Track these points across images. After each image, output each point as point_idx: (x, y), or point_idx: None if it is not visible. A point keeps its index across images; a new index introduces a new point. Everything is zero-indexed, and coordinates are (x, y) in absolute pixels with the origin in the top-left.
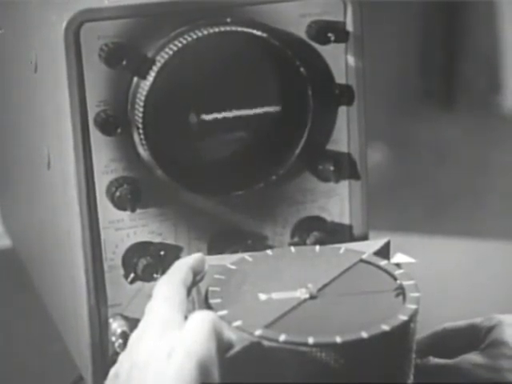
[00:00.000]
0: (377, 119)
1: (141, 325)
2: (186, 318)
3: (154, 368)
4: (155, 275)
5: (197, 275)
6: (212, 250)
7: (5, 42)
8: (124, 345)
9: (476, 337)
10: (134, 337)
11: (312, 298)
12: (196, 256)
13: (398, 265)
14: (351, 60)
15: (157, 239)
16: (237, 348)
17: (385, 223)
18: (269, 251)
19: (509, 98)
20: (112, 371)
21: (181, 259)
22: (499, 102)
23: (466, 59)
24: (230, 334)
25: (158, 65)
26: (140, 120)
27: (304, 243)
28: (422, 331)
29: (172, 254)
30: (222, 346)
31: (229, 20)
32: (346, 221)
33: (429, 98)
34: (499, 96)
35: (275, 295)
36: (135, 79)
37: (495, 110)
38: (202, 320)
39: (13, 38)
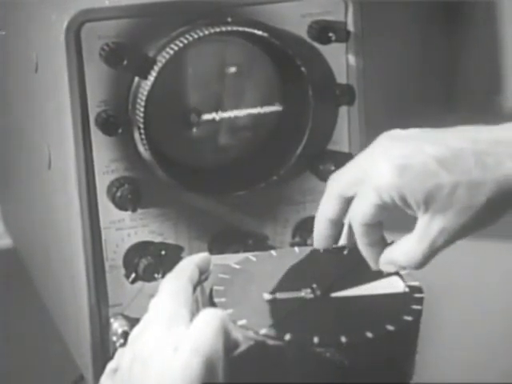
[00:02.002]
0: (377, 119)
1: (143, 320)
2: (191, 315)
3: (158, 363)
4: (156, 275)
5: (202, 274)
6: (213, 250)
7: (6, 41)
8: (125, 344)
9: None
10: (135, 331)
11: (317, 298)
12: (202, 255)
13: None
14: (352, 60)
15: (158, 239)
16: (242, 347)
17: (385, 223)
18: (273, 251)
19: (509, 98)
20: (109, 366)
21: (187, 257)
22: (500, 103)
23: (466, 59)
24: (236, 334)
25: (159, 65)
26: (141, 120)
27: (305, 243)
28: (425, 331)
29: (173, 253)
30: (229, 344)
31: (229, 20)
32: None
33: (429, 97)
34: (500, 96)
35: (280, 295)
36: (136, 79)
37: (496, 110)
38: (212, 317)
39: (14, 37)
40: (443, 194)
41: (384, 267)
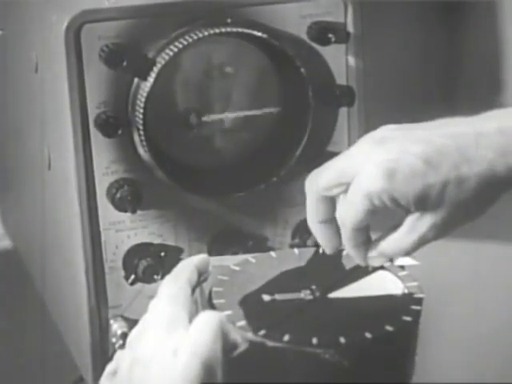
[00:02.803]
0: (377, 120)
1: (142, 321)
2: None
3: (158, 365)
4: (156, 276)
5: (201, 275)
6: (212, 252)
7: (6, 42)
8: (124, 346)
9: None
10: (134, 333)
11: (316, 299)
12: (201, 256)
13: (401, 266)
14: (352, 61)
15: (157, 240)
16: (241, 348)
17: (385, 224)
18: (272, 253)
19: (510, 98)
20: (108, 368)
21: (186, 259)
22: (501, 103)
23: (466, 59)
24: (235, 335)
25: (159, 66)
26: (140, 121)
27: (305, 244)
28: (424, 332)
29: (172, 255)
30: (228, 346)
31: (229, 21)
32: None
33: (429, 98)
34: (500, 97)
35: (279, 296)
36: (136, 80)
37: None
38: (209, 320)
39: (14, 38)
40: (433, 194)
41: (372, 261)
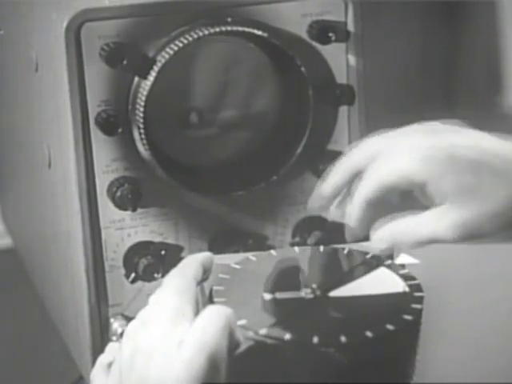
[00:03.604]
0: (377, 119)
1: (143, 314)
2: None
3: (161, 357)
4: (156, 275)
5: (205, 273)
6: (213, 250)
7: (6, 41)
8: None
9: None
10: (133, 325)
11: (316, 298)
12: (205, 254)
13: (402, 265)
14: (352, 60)
15: (158, 239)
16: (242, 347)
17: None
18: (273, 251)
19: (510, 98)
20: (101, 360)
21: (191, 255)
22: (500, 102)
23: (466, 59)
24: (238, 334)
25: (159, 64)
26: (141, 120)
27: (305, 243)
28: (425, 331)
29: (173, 253)
30: (232, 344)
31: (229, 20)
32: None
33: (429, 97)
34: (500, 96)
35: (279, 295)
36: (136, 79)
37: (496, 110)
38: (218, 314)
39: (13, 37)
40: (464, 194)
41: (376, 242)
